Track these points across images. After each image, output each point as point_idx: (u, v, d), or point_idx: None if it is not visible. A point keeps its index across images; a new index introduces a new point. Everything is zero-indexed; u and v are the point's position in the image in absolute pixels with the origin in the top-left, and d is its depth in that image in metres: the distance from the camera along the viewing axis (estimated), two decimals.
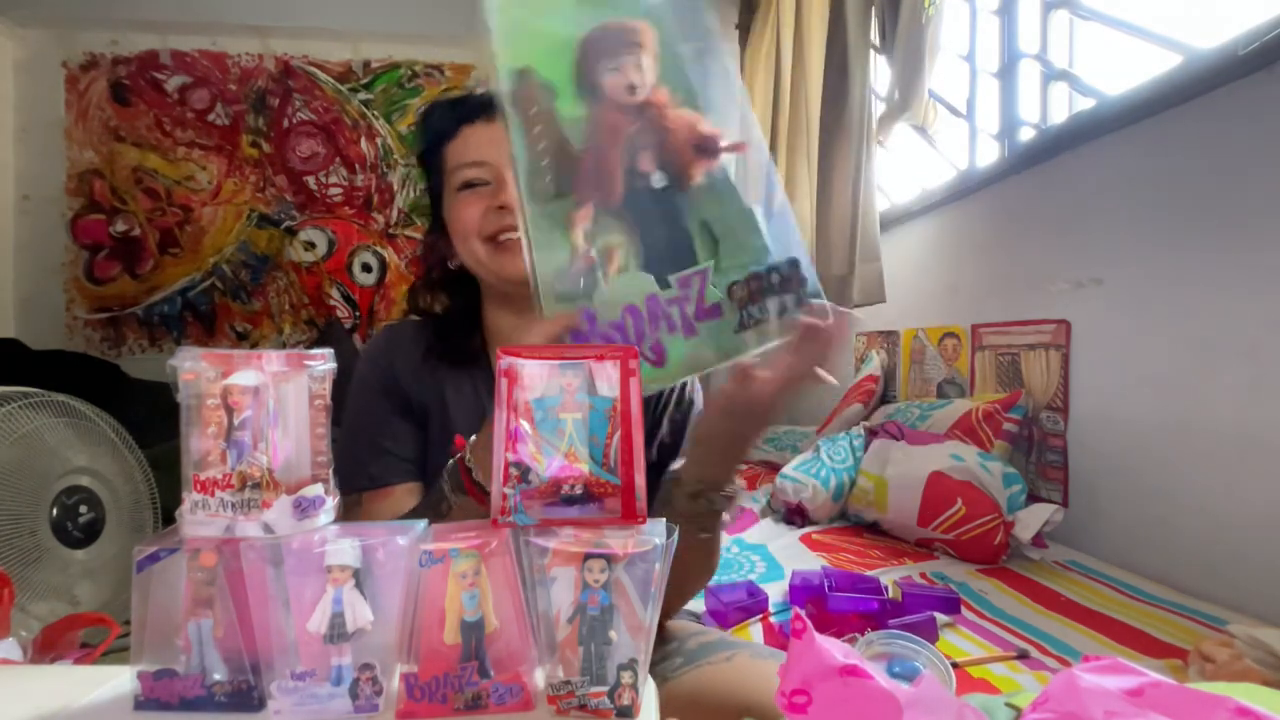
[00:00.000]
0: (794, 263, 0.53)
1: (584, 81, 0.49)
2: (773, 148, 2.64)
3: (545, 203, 0.52)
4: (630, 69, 0.49)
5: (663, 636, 0.82)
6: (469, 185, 0.80)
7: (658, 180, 0.50)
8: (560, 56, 0.50)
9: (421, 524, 0.46)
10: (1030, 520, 1.46)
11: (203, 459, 0.42)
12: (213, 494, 0.42)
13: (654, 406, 0.84)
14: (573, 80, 0.50)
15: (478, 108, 0.81)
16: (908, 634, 0.67)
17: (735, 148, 0.52)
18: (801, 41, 2.56)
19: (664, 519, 0.46)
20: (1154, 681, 0.35)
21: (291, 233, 3.28)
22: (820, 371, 0.55)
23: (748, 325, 0.53)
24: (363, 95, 3.31)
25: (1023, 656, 1.05)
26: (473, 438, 0.66)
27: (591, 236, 0.52)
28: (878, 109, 2.35)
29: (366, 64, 3.31)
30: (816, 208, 2.42)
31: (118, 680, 0.46)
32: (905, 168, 2.55)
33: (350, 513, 0.78)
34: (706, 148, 0.51)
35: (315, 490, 0.44)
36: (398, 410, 0.81)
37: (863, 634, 0.72)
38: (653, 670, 0.45)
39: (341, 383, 0.47)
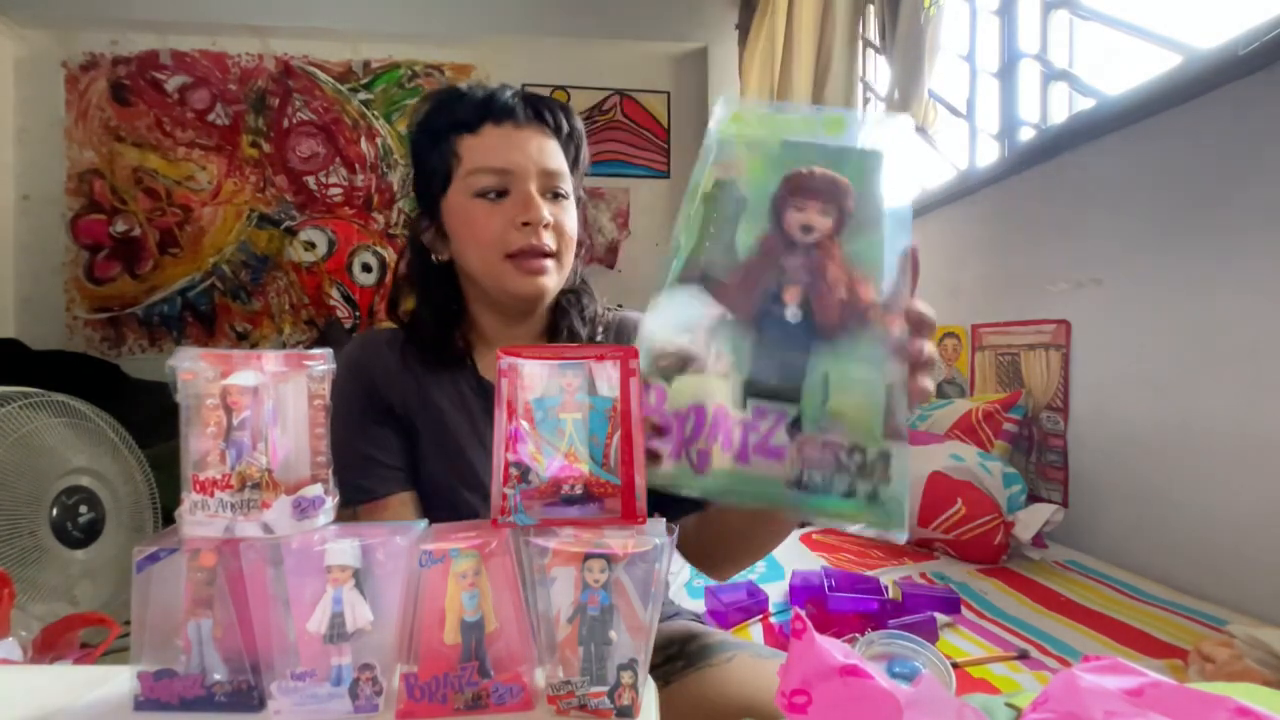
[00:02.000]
0: (885, 456, 0.50)
1: (773, 210, 0.52)
2: None
3: (688, 284, 0.52)
4: (814, 212, 0.51)
5: (666, 637, 0.82)
6: (488, 193, 0.77)
7: (792, 314, 0.51)
8: (764, 182, 0.52)
9: (421, 524, 0.46)
10: (1030, 520, 1.46)
11: (202, 459, 0.42)
12: (212, 494, 0.42)
13: None
14: (767, 206, 0.52)
15: (507, 108, 0.78)
16: (908, 634, 0.67)
17: (885, 317, 0.52)
18: (791, 44, 2.57)
19: (664, 520, 0.46)
20: (1154, 681, 0.35)
21: (291, 233, 3.28)
22: None
23: (804, 487, 0.50)
24: (363, 95, 3.31)
25: (1023, 656, 1.05)
26: None
27: (710, 334, 0.51)
28: (878, 109, 2.36)
29: (366, 64, 3.31)
30: None
31: (118, 680, 0.46)
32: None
33: None
34: (855, 308, 0.51)
35: (315, 490, 0.44)
36: (380, 419, 0.79)
37: (863, 634, 0.72)
38: (654, 671, 0.45)
39: None
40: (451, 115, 0.79)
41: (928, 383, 0.53)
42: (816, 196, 0.51)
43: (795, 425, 0.51)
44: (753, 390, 0.51)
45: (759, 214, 0.52)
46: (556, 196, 0.80)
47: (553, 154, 0.79)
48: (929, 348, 0.53)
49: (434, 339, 0.82)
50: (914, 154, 0.53)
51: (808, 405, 0.51)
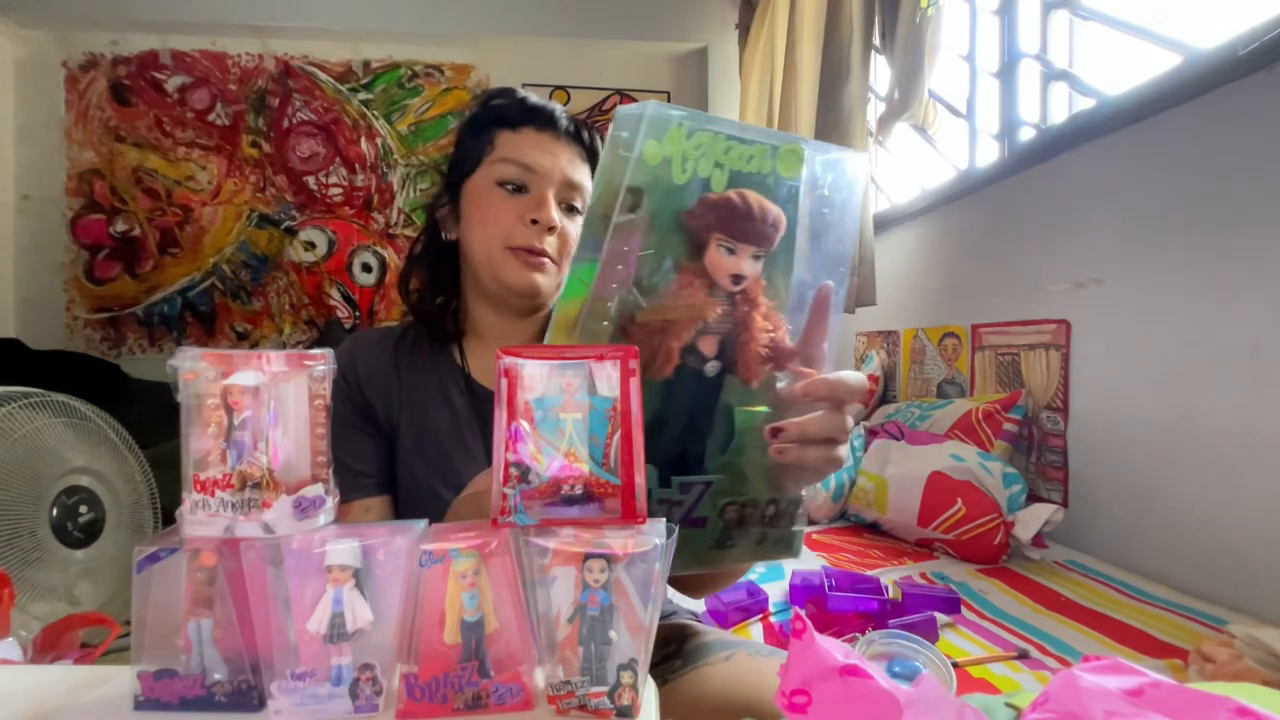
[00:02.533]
0: (796, 502, 0.51)
1: (688, 230, 0.44)
2: None
3: (592, 338, 0.46)
4: (745, 259, 0.45)
5: (664, 636, 0.82)
6: (508, 184, 0.79)
7: (711, 368, 0.47)
8: (676, 196, 0.44)
9: (421, 524, 0.46)
10: (1030, 520, 1.46)
11: (203, 459, 0.42)
12: (213, 494, 0.42)
13: None
14: (677, 222, 0.43)
15: (550, 118, 0.81)
16: (908, 634, 0.67)
17: (801, 373, 0.48)
18: (795, 43, 2.57)
19: (664, 520, 0.46)
20: (1154, 681, 0.35)
21: (291, 233, 3.28)
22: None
23: (724, 545, 0.51)
24: (363, 95, 3.31)
25: (1023, 656, 1.05)
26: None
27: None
28: (878, 109, 2.36)
29: (366, 64, 3.31)
30: None
31: (118, 680, 0.46)
32: (905, 168, 2.55)
33: None
34: (776, 359, 0.48)
35: (315, 490, 0.44)
36: (358, 425, 0.79)
37: (863, 634, 0.72)
38: (653, 670, 0.45)
39: None
40: (499, 110, 0.82)
41: (837, 452, 0.50)
42: (752, 240, 0.44)
43: (717, 492, 0.49)
44: (664, 457, 0.48)
45: (668, 235, 0.44)
46: (571, 209, 0.82)
47: (580, 170, 0.82)
48: (825, 425, 0.49)
49: (431, 312, 0.84)
50: (865, 190, 0.48)
51: (716, 451, 0.49)
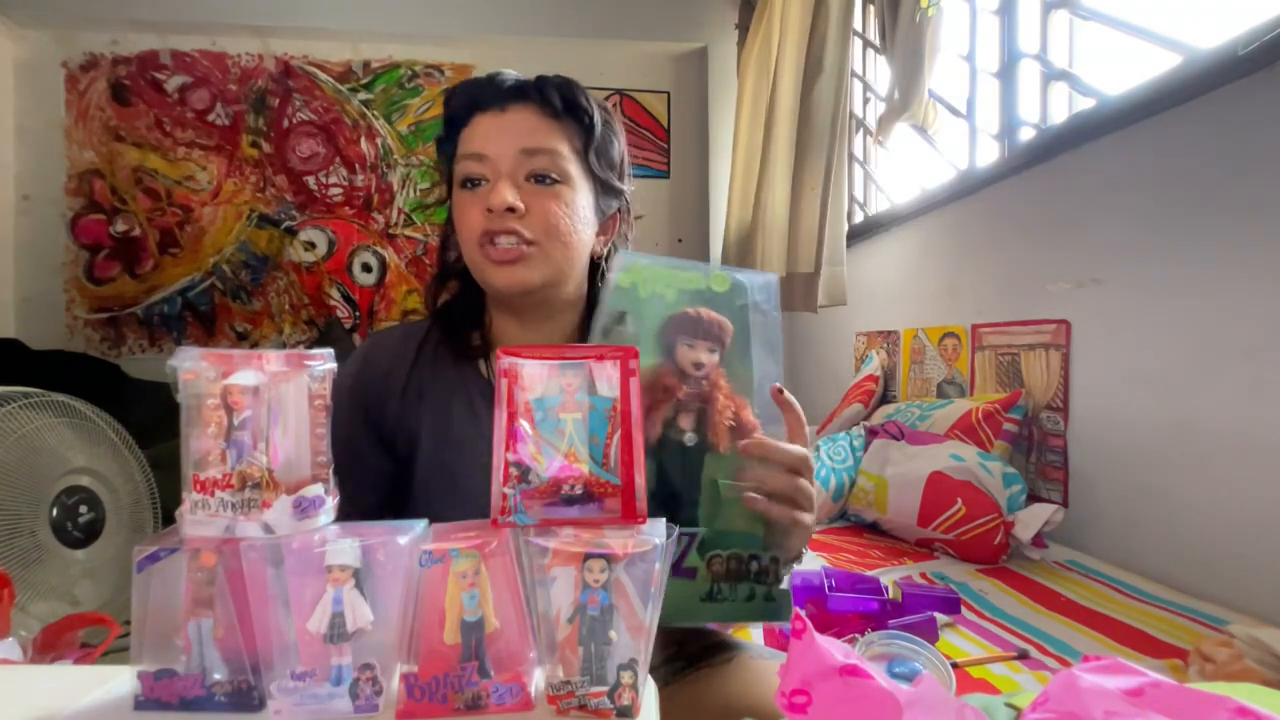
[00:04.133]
0: (775, 559, 0.58)
1: (662, 341, 0.59)
2: (764, 149, 2.66)
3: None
4: (703, 351, 0.59)
5: (665, 638, 0.82)
6: (468, 182, 0.75)
7: (690, 439, 0.58)
8: (655, 318, 0.59)
9: (421, 524, 0.46)
10: (1030, 520, 1.46)
11: (203, 459, 0.42)
12: (213, 494, 0.42)
13: None
14: (655, 338, 0.59)
15: (493, 94, 0.74)
16: (908, 635, 0.67)
17: (746, 445, 0.58)
18: (783, 43, 2.58)
19: (664, 520, 0.46)
20: (1154, 681, 0.35)
21: (291, 233, 3.28)
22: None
23: (715, 599, 0.58)
24: (363, 95, 3.31)
25: (1023, 656, 1.05)
26: None
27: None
28: (878, 109, 2.36)
29: (366, 64, 3.31)
30: (790, 210, 2.51)
31: (118, 680, 0.46)
32: (905, 168, 2.55)
33: None
34: (740, 430, 0.58)
35: (315, 490, 0.44)
36: (360, 446, 0.76)
37: (863, 634, 0.72)
38: (653, 672, 0.45)
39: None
40: (452, 115, 0.78)
41: (799, 515, 0.58)
42: (706, 337, 0.59)
43: (704, 544, 0.57)
44: (657, 514, 0.55)
45: (649, 348, 0.58)
46: (543, 181, 0.74)
47: (541, 133, 0.74)
48: (778, 482, 0.58)
49: (455, 332, 0.81)
50: (776, 305, 0.62)
51: (708, 516, 0.58)
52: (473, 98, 0.75)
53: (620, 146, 0.82)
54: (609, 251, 0.84)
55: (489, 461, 0.45)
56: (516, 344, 0.81)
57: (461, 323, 0.82)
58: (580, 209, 0.76)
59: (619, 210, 0.84)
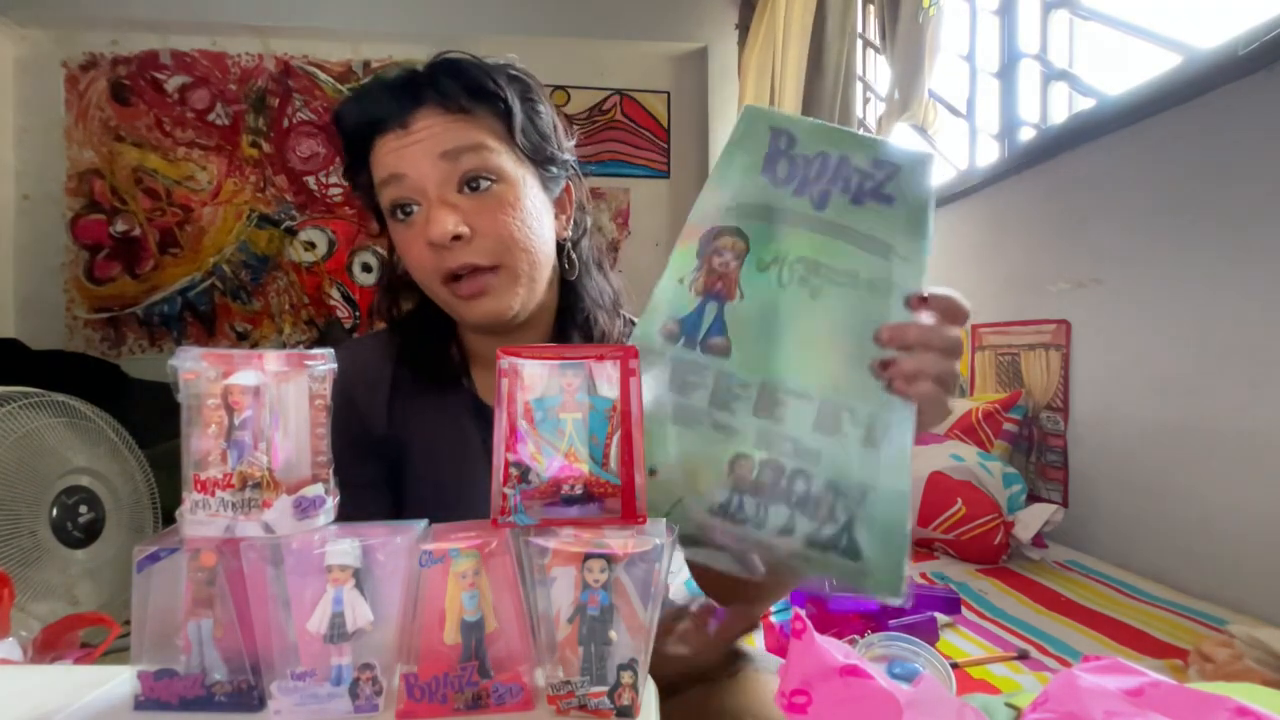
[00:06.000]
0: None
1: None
2: None
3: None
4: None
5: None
6: (398, 209, 0.66)
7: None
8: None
9: (421, 524, 0.46)
10: (1030, 520, 1.46)
11: (203, 459, 0.42)
12: (213, 494, 0.42)
13: None
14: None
15: (387, 109, 0.64)
16: (907, 636, 0.67)
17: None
18: (786, 42, 2.59)
19: (664, 520, 0.46)
20: (1154, 681, 0.35)
21: (291, 233, 3.28)
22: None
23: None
24: None
25: (1023, 656, 1.05)
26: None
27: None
28: (878, 109, 2.36)
29: (366, 64, 3.31)
30: None
31: (118, 680, 0.46)
32: None
33: None
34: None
35: (315, 490, 0.44)
36: (350, 457, 0.73)
37: (863, 634, 0.72)
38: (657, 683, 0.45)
39: None
40: (348, 141, 0.68)
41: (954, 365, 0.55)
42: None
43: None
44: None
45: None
46: (476, 187, 0.64)
47: (455, 131, 0.64)
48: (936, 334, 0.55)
49: (428, 357, 0.73)
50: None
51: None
52: (367, 119, 0.65)
53: (548, 111, 0.71)
54: (581, 231, 0.76)
55: (487, 487, 0.45)
56: (492, 356, 0.76)
57: (432, 339, 0.74)
58: (528, 204, 0.67)
59: (568, 179, 0.74)
